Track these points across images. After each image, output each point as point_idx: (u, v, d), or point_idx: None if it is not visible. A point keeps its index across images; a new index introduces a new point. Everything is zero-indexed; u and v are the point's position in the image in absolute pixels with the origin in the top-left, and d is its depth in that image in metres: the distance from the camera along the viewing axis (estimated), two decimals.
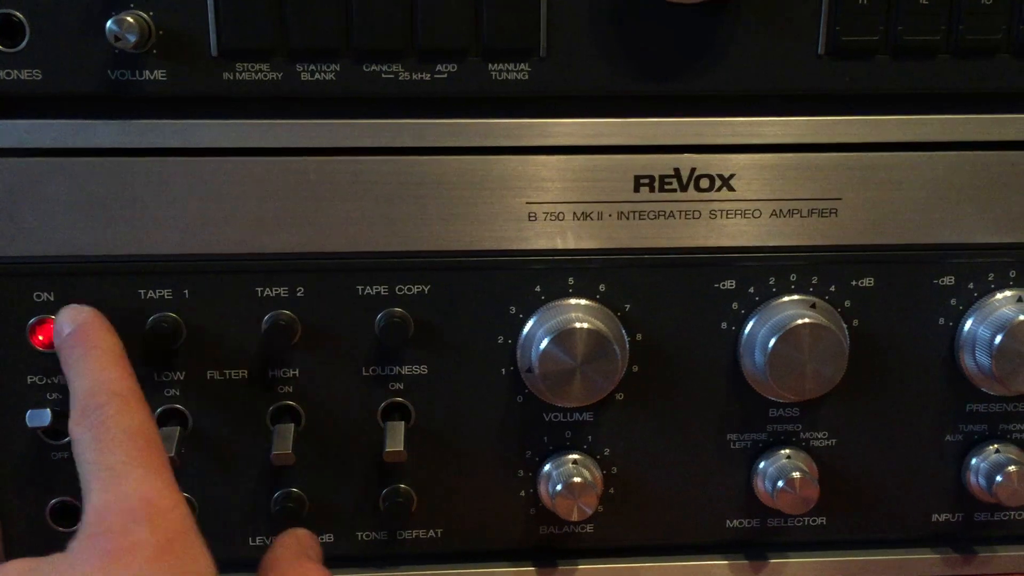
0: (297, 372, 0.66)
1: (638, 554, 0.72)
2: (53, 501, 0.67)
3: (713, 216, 0.65)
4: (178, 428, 0.66)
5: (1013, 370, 0.66)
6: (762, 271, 0.66)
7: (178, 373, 0.66)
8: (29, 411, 0.64)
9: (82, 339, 0.59)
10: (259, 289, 0.65)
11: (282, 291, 0.65)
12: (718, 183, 0.65)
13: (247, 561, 0.68)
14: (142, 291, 0.64)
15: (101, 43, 0.59)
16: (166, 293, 0.64)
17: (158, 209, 0.63)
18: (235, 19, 0.60)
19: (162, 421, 0.66)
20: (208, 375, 0.66)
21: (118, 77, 0.60)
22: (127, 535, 0.48)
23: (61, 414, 0.65)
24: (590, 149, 0.64)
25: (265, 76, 0.61)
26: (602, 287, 0.66)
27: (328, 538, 0.69)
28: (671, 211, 0.65)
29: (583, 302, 0.66)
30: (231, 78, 0.61)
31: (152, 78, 0.61)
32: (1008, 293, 0.67)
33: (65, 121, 0.62)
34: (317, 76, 0.61)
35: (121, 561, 0.47)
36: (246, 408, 0.66)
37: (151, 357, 0.65)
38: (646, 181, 0.65)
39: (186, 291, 0.64)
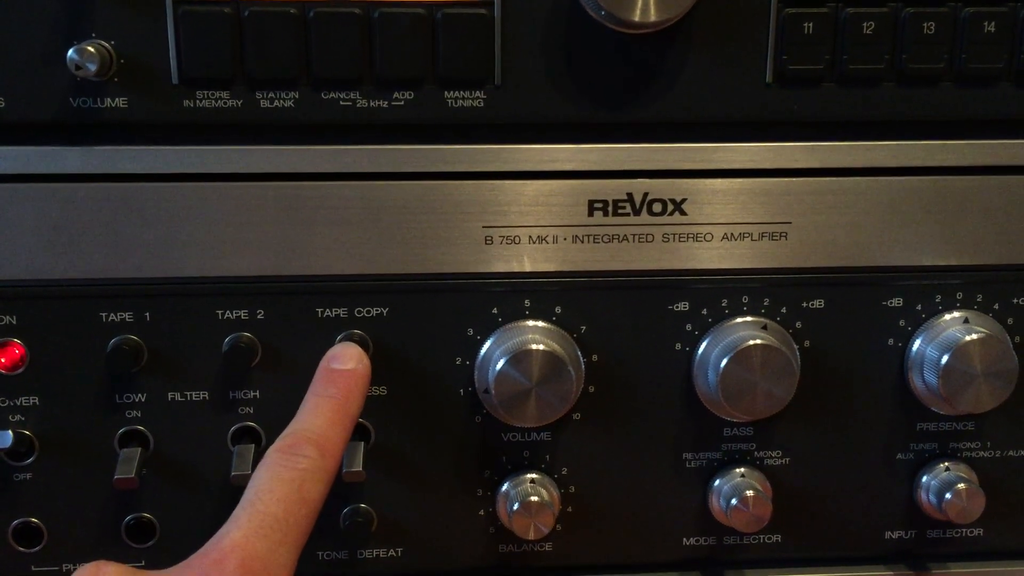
0: (257, 393, 0.67)
1: (596, 572, 0.73)
2: (16, 522, 0.68)
3: (666, 239, 0.67)
4: (139, 449, 0.66)
5: (959, 390, 0.67)
6: (715, 293, 0.68)
7: (139, 395, 0.66)
8: None
9: (342, 385, 0.60)
10: (219, 312, 0.66)
11: (242, 314, 0.66)
12: (670, 207, 0.66)
13: None
14: (103, 314, 0.65)
15: (63, 72, 0.60)
16: (127, 316, 0.65)
17: (120, 233, 0.64)
18: (195, 48, 0.61)
19: (123, 443, 0.67)
20: (169, 397, 0.67)
21: (80, 105, 0.61)
22: None
23: (23, 436, 0.65)
24: (545, 174, 0.65)
25: (225, 104, 0.62)
26: (558, 309, 0.67)
27: None
28: (625, 235, 0.66)
29: (539, 324, 0.67)
30: (192, 105, 0.62)
31: (113, 106, 0.62)
32: (955, 314, 0.69)
33: (28, 148, 0.63)
34: (276, 103, 0.62)
35: None
36: (207, 429, 0.67)
37: (112, 379, 0.66)
38: (600, 205, 0.66)
39: (147, 314, 0.65)
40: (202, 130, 0.63)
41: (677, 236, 0.67)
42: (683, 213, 0.66)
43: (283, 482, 0.54)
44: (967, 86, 0.65)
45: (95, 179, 0.63)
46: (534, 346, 0.64)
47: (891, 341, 0.69)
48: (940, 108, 0.65)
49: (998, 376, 0.66)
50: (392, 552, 0.71)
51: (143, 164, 0.63)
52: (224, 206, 0.64)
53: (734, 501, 0.68)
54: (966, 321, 0.68)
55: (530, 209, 0.66)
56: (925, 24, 0.63)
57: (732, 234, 0.67)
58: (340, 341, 0.66)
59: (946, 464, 0.71)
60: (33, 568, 0.69)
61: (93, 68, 0.59)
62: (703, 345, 0.68)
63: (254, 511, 0.53)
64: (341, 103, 0.63)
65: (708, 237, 0.67)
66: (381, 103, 0.63)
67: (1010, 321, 0.69)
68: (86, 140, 0.63)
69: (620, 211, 0.66)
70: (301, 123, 0.63)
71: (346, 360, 0.62)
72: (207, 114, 0.62)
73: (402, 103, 0.63)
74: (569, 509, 0.71)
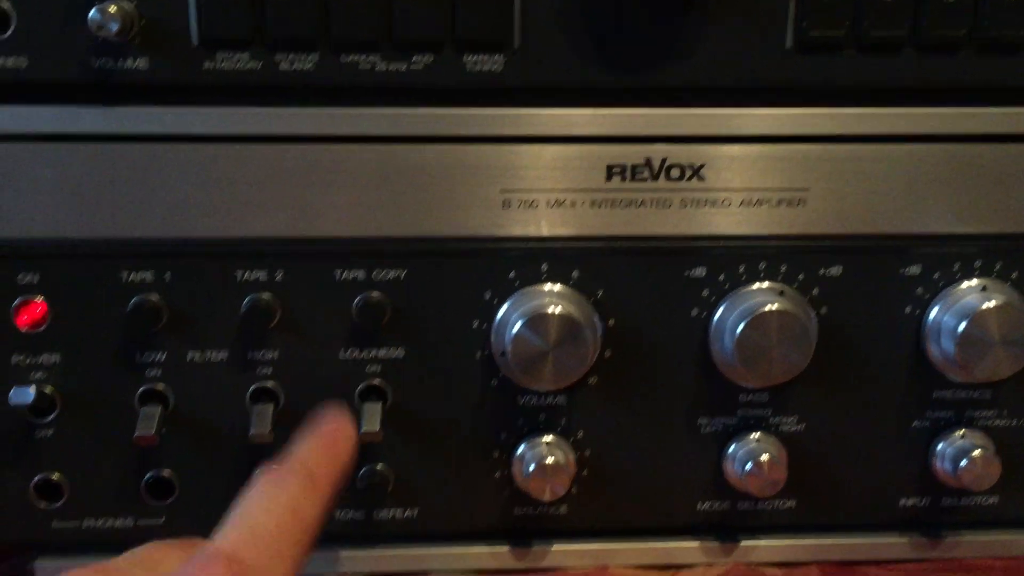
0: (276, 354, 0.67)
1: (611, 536, 0.74)
2: (37, 478, 0.69)
3: (684, 205, 0.67)
4: (159, 408, 0.67)
5: (976, 357, 0.67)
6: (732, 259, 0.68)
7: (159, 354, 0.67)
8: (13, 389, 0.66)
9: (330, 428, 0.59)
10: (239, 272, 0.66)
11: (261, 275, 0.66)
12: (688, 173, 0.66)
13: None
14: (124, 273, 0.65)
15: (85, 31, 0.60)
16: (148, 276, 0.66)
17: (140, 193, 0.64)
18: (215, 9, 0.61)
19: (143, 401, 0.67)
20: (189, 356, 0.67)
21: (101, 65, 0.62)
22: None
23: (44, 393, 0.66)
24: (563, 139, 0.65)
25: (245, 65, 0.62)
26: (575, 273, 0.67)
27: None
28: (643, 200, 0.66)
29: (556, 288, 0.67)
30: (212, 67, 0.62)
31: (135, 66, 0.62)
32: (973, 282, 0.68)
33: (50, 107, 0.63)
34: (296, 66, 0.62)
35: None
36: (226, 389, 0.68)
37: (133, 338, 0.67)
38: (618, 170, 0.66)
39: (167, 274, 0.66)
40: (222, 92, 0.63)
41: (695, 202, 0.67)
42: (701, 179, 0.66)
43: (273, 499, 0.52)
44: (988, 53, 0.64)
45: (116, 139, 0.64)
46: (551, 309, 0.65)
47: (908, 309, 0.69)
48: (961, 75, 0.65)
49: (1016, 344, 0.66)
50: (408, 513, 0.71)
51: (163, 125, 0.63)
52: (243, 167, 0.64)
53: (749, 465, 0.69)
54: (984, 289, 0.68)
55: (548, 173, 0.66)
56: None
57: (750, 200, 0.67)
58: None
59: (962, 431, 0.71)
60: (54, 524, 0.70)
61: (115, 28, 0.59)
62: (720, 311, 0.68)
63: (243, 524, 0.51)
64: (360, 66, 0.63)
65: (726, 203, 0.67)
66: (400, 66, 0.63)
67: None
68: (107, 100, 0.63)
69: (638, 176, 0.66)
70: (320, 85, 0.63)
71: (333, 415, 0.61)
72: (227, 76, 0.62)
73: (421, 67, 0.63)
74: (584, 472, 0.71)
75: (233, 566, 0.48)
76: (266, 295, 0.66)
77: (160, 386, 0.68)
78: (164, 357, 0.67)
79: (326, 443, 0.58)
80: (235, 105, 0.64)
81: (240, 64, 0.62)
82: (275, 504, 0.51)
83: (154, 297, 0.66)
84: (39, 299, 0.66)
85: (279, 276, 0.66)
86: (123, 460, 0.69)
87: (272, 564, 0.49)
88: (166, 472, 0.69)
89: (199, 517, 0.69)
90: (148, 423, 0.66)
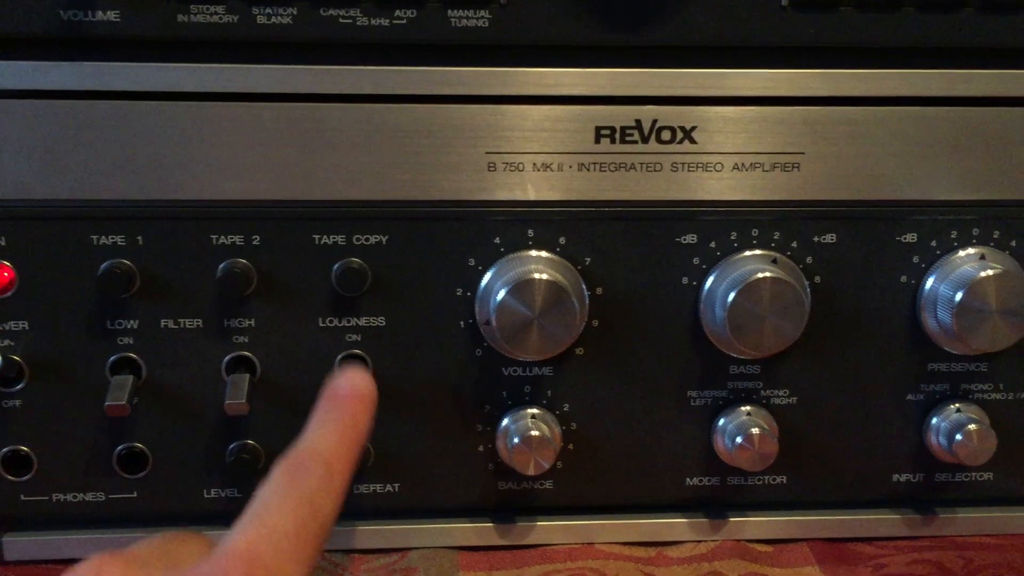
0: (253, 322, 0.65)
1: (597, 512, 0.72)
2: (5, 450, 0.66)
3: (675, 169, 0.65)
4: (131, 377, 0.65)
5: (973, 328, 0.65)
6: (724, 225, 0.66)
7: (131, 321, 0.65)
8: None
9: (348, 407, 0.55)
10: (214, 236, 0.64)
11: (237, 239, 0.64)
12: (680, 135, 0.64)
13: (201, 514, 0.68)
14: (95, 236, 0.63)
15: None
16: (119, 239, 0.63)
17: (112, 153, 0.62)
18: None
19: (115, 370, 0.65)
20: (162, 324, 0.65)
21: (71, 17, 0.59)
22: None
23: (12, 361, 0.64)
24: (551, 99, 0.64)
25: (220, 19, 0.60)
26: (562, 240, 0.65)
27: None
28: (632, 163, 0.65)
29: (543, 254, 0.65)
30: (186, 20, 0.60)
31: (105, 19, 0.60)
32: (971, 251, 0.67)
33: (16, 62, 0.61)
34: (274, 19, 0.60)
35: None
36: (201, 358, 0.66)
37: (104, 304, 0.65)
38: (607, 132, 0.64)
39: (139, 237, 0.64)
40: (197, 47, 0.61)
41: (686, 165, 0.65)
42: (693, 141, 0.64)
43: (292, 496, 0.50)
44: (991, 12, 0.62)
45: (85, 96, 0.62)
46: (537, 275, 0.63)
47: (904, 278, 0.68)
48: (963, 35, 0.63)
49: (1014, 313, 0.65)
50: (389, 488, 0.70)
51: (135, 81, 0.61)
52: (219, 127, 0.62)
53: (739, 439, 0.67)
54: (982, 258, 0.66)
55: (535, 135, 0.64)
56: None
57: (743, 164, 0.65)
58: (341, 362, 0.66)
59: (957, 405, 0.70)
60: (23, 497, 0.67)
61: None
62: (711, 279, 0.66)
63: (261, 523, 0.48)
64: (340, 20, 0.61)
65: (718, 167, 0.65)
66: (382, 21, 0.61)
67: None
68: (77, 55, 0.61)
69: (628, 138, 0.64)
70: (298, 40, 0.61)
71: (350, 385, 0.59)
72: (201, 29, 0.60)
73: (404, 21, 0.61)
74: (570, 447, 0.69)
75: (252, 568, 0.46)
76: (242, 260, 0.64)
77: (132, 355, 0.65)
78: (137, 324, 0.65)
79: (344, 426, 0.55)
80: (210, 61, 0.62)
81: (215, 17, 0.60)
82: (293, 501, 0.49)
83: (126, 262, 0.64)
84: (6, 263, 0.63)
85: (256, 241, 0.64)
86: (94, 432, 0.67)
87: (290, 565, 0.47)
88: (139, 444, 0.67)
89: (173, 492, 0.68)
90: (120, 392, 0.64)
